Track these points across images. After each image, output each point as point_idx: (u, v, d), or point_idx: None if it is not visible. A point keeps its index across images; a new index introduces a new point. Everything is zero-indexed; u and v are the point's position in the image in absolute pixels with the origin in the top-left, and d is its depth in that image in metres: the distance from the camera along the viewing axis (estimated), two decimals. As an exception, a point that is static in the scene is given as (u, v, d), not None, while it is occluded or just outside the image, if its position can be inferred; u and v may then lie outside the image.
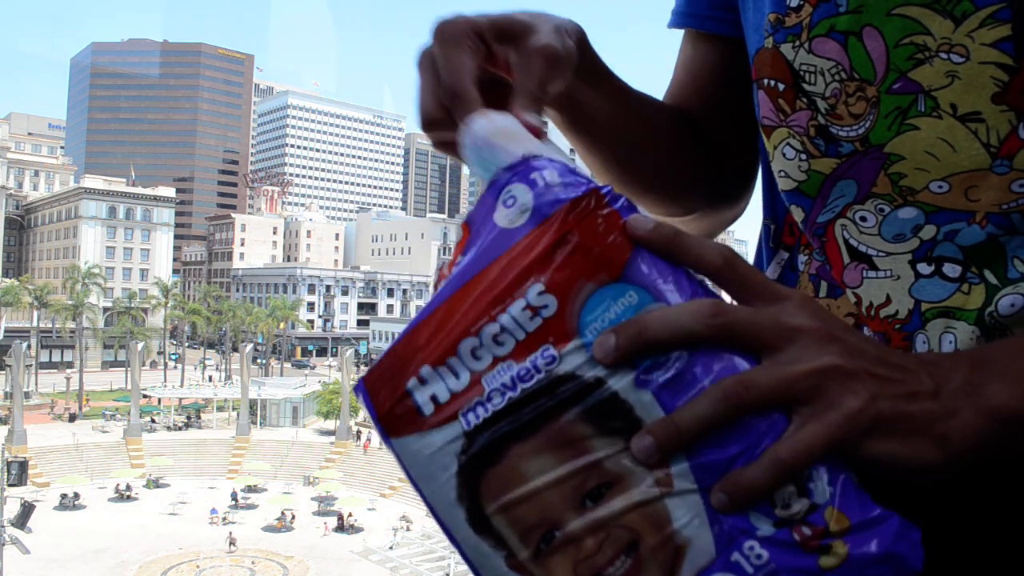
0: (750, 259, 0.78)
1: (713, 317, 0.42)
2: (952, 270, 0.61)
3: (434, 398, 0.44)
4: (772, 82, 0.68)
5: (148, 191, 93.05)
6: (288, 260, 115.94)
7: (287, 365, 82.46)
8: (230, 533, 31.40)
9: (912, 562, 0.40)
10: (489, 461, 0.43)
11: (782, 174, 0.70)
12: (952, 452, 0.43)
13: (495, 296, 0.44)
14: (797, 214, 0.70)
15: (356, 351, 63.34)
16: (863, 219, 0.65)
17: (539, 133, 0.50)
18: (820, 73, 0.63)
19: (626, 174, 0.83)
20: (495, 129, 0.49)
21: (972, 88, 0.57)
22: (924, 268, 0.63)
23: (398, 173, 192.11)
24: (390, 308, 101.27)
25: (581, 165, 0.50)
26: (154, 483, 40.33)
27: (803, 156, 0.67)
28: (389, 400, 0.45)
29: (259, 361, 75.53)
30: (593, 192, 0.45)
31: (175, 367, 72.17)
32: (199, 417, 52.16)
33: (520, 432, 0.43)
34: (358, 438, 46.62)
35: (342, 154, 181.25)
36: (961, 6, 0.56)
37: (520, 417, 0.43)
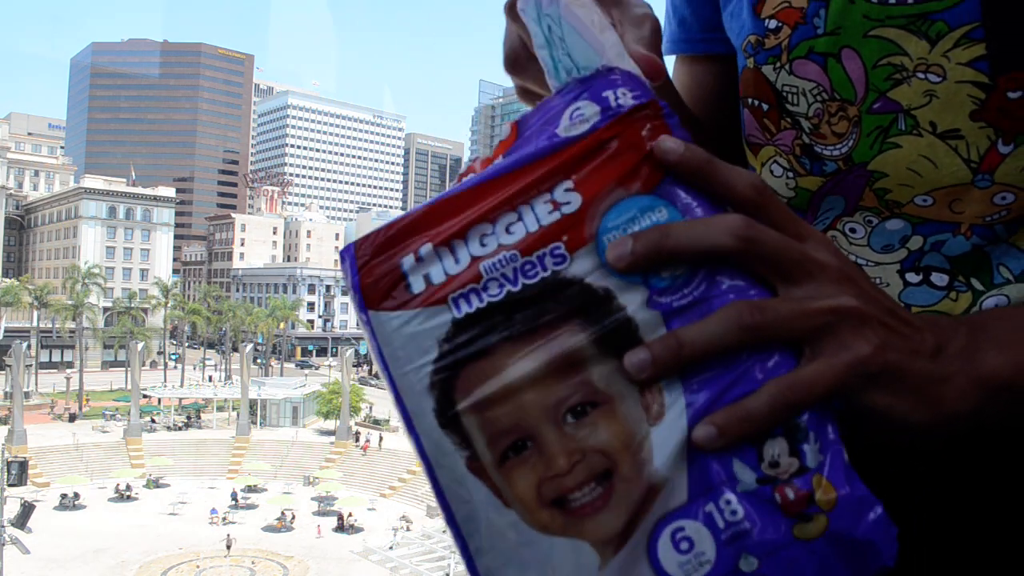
0: None
1: (744, 230, 0.40)
2: (940, 279, 0.63)
3: (427, 277, 0.41)
4: (756, 102, 0.69)
5: (148, 191, 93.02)
6: (288, 260, 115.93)
7: (289, 365, 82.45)
8: (228, 535, 31.22)
9: (886, 556, 0.38)
10: (473, 354, 0.40)
11: None
12: (943, 415, 0.43)
13: (522, 188, 0.41)
14: None
15: (356, 351, 63.28)
16: (852, 230, 0.66)
17: (661, 72, 0.48)
18: (802, 94, 0.64)
19: None
20: None
21: (950, 106, 0.58)
22: (912, 277, 0.64)
23: (398, 173, 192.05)
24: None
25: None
26: (154, 483, 40.32)
27: (790, 174, 0.68)
28: (377, 270, 0.42)
29: (259, 361, 75.54)
30: (649, 103, 0.43)
31: (175, 367, 72.16)
32: (199, 417, 52.14)
33: (512, 330, 0.40)
34: (357, 440, 46.59)
35: (342, 154, 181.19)
36: (936, 27, 0.57)
37: (515, 314, 0.40)
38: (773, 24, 0.65)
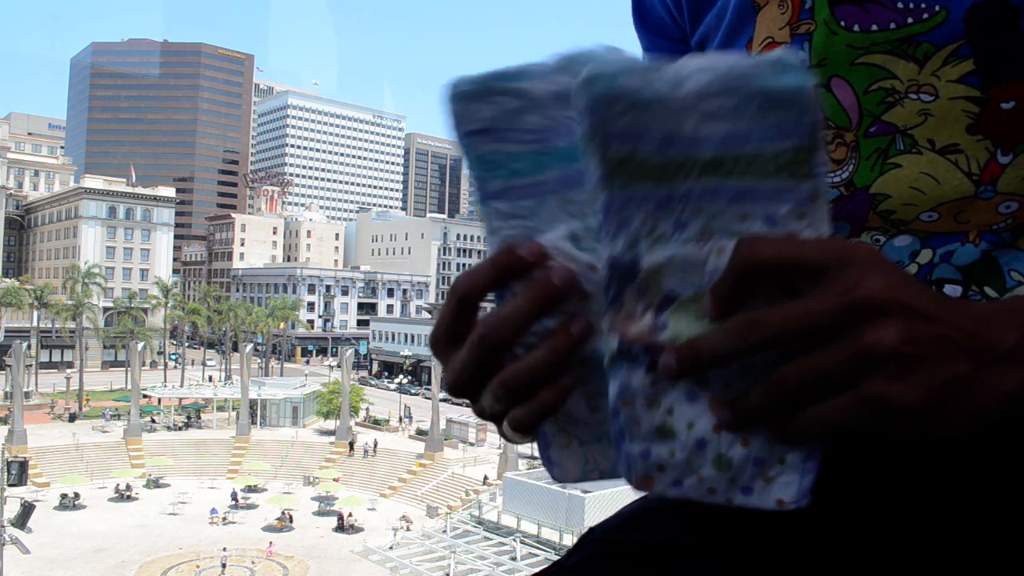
0: None
1: (750, 332, 0.40)
2: (952, 291, 0.63)
3: None
4: None
5: (148, 191, 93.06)
6: (288, 260, 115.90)
7: (289, 364, 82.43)
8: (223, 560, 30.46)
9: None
10: None
11: None
12: (976, 424, 0.39)
13: None
14: None
15: (356, 351, 63.30)
16: None
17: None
18: None
19: None
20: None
21: (946, 123, 0.59)
22: None
23: (398, 173, 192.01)
24: (390, 308, 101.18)
25: None
26: (154, 483, 40.32)
27: None
28: None
29: (259, 361, 75.57)
30: None
31: (175, 367, 72.17)
32: (199, 417, 52.16)
33: None
34: (352, 448, 46.26)
35: (342, 154, 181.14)
36: (922, 48, 0.58)
37: None
38: None
